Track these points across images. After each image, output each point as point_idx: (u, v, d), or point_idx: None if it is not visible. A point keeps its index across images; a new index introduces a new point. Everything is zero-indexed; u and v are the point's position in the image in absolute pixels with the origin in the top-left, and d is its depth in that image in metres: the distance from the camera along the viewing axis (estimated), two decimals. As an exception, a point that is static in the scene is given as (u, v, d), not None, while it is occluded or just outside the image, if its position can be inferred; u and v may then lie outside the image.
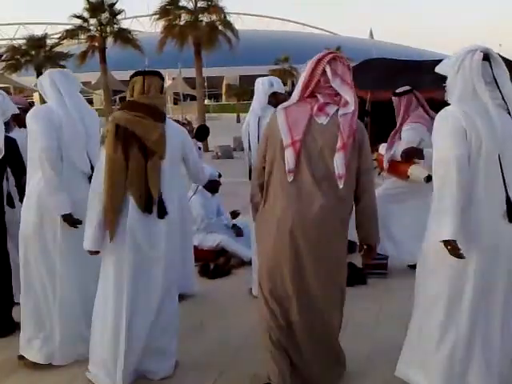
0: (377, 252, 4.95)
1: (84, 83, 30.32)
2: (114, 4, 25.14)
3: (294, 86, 2.73)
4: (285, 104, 2.93)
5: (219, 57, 24.79)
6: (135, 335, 3.11)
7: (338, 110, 2.82)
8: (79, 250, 3.23)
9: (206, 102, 35.11)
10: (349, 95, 2.82)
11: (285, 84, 28.20)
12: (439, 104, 4.92)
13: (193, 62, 22.07)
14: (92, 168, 3.45)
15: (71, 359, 3.51)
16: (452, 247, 2.54)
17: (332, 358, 3.04)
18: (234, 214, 6.08)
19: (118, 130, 2.99)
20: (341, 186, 2.78)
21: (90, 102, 35.44)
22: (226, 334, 3.90)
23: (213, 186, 5.87)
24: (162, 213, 3.09)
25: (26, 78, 29.61)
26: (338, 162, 2.76)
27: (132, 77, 3.20)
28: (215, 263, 5.46)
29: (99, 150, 3.21)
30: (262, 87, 4.47)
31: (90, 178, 3.42)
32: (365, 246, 3.04)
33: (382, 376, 3.21)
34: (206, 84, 27.87)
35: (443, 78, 2.83)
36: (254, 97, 4.57)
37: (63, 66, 29.83)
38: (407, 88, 5.03)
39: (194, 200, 5.71)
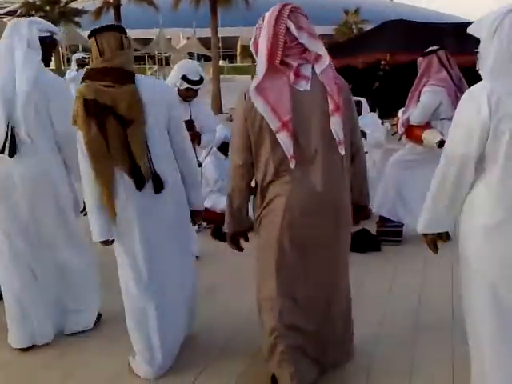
0: (389, 218, 5.03)
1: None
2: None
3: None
4: (254, 84, 2.46)
5: (234, 16, 24.33)
6: (168, 320, 2.95)
7: (313, 68, 2.51)
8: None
9: (221, 62, 34.67)
10: (319, 48, 2.50)
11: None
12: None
13: (208, 21, 21.65)
14: (12, 139, 3.05)
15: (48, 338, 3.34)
16: (427, 240, 2.54)
17: (345, 331, 2.90)
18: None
19: (86, 105, 2.65)
20: (343, 153, 2.54)
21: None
22: (237, 296, 3.91)
23: (227, 148, 5.82)
24: (158, 187, 2.78)
25: (40, 34, 29.39)
26: (337, 127, 2.49)
27: (89, 37, 2.79)
28: (227, 226, 5.42)
29: (72, 133, 2.81)
30: None
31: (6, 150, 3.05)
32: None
33: (394, 342, 3.24)
34: (220, 44, 27.45)
35: (464, 43, 2.62)
36: None
37: (77, 23, 29.58)
38: (434, 48, 4.88)
39: (207, 162, 5.66)
